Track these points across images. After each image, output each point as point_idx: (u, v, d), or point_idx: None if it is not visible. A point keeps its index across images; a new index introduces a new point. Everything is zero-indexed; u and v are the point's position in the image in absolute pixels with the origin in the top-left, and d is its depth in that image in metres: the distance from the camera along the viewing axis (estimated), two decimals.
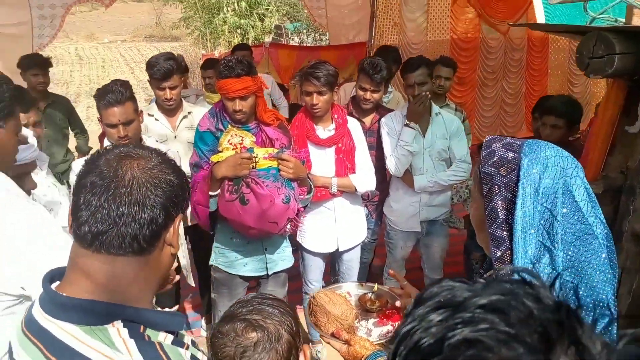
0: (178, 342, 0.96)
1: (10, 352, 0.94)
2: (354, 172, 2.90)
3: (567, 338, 0.41)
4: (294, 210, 2.37)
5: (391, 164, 3.12)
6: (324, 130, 2.87)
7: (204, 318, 3.76)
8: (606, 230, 1.14)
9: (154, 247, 0.94)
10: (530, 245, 1.14)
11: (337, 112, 2.90)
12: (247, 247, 2.59)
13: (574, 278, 1.13)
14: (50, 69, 4.28)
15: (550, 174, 1.13)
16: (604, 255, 1.12)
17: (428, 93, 3.10)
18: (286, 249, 2.70)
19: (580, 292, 1.12)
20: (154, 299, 1.17)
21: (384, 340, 1.56)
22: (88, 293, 0.89)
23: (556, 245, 1.13)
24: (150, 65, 3.01)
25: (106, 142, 2.58)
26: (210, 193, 2.36)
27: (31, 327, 0.90)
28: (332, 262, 3.27)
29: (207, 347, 3.37)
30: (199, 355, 1.00)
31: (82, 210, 0.88)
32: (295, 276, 3.08)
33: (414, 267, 3.66)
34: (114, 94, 2.37)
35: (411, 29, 7.66)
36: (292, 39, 16.57)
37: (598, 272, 1.11)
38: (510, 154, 1.18)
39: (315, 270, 3.04)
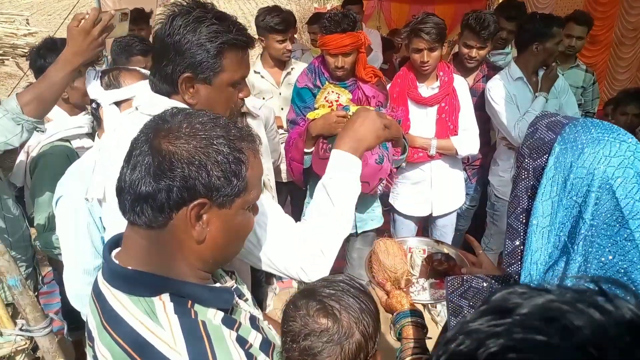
0: (228, 320, 0.92)
1: None
2: (456, 134, 2.74)
3: None
4: (387, 170, 2.31)
5: (522, 132, 2.85)
6: (427, 89, 2.73)
7: None
8: None
9: (162, 225, 0.87)
10: (544, 244, 0.93)
11: (442, 69, 2.73)
12: None
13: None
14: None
15: (586, 163, 0.90)
16: None
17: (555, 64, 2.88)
18: (376, 208, 2.66)
19: None
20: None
21: (431, 301, 1.54)
22: (135, 263, 0.90)
23: (576, 247, 0.91)
24: (270, 18, 3.02)
25: None
26: (305, 150, 2.37)
27: (95, 290, 0.95)
28: (425, 227, 3.17)
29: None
30: (250, 335, 0.94)
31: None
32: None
33: None
34: None
35: None
36: None
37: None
38: (550, 135, 0.96)
39: (406, 233, 2.97)
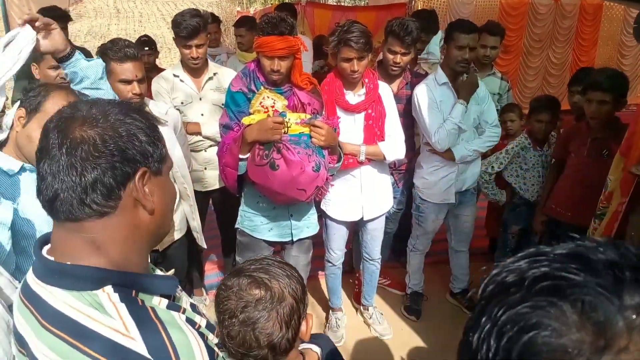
0: (174, 306, 0.93)
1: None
2: (383, 140, 2.81)
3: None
4: (323, 178, 2.32)
5: (441, 139, 2.96)
6: (354, 96, 2.77)
7: None
8: None
9: (113, 208, 0.86)
10: None
11: (368, 76, 2.78)
12: (273, 212, 2.57)
13: None
14: (75, 23, 4.35)
15: None
16: None
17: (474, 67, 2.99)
18: (312, 216, 2.67)
19: None
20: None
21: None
22: (73, 258, 0.87)
23: None
24: (176, 23, 2.89)
25: None
26: (240, 156, 2.32)
27: (26, 292, 0.90)
28: (356, 231, 3.22)
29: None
30: (196, 318, 0.97)
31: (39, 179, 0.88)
32: (319, 243, 3.06)
33: (439, 238, 3.57)
34: (130, 49, 2.32)
35: None
36: None
37: None
38: None
39: (338, 238, 3.01)
